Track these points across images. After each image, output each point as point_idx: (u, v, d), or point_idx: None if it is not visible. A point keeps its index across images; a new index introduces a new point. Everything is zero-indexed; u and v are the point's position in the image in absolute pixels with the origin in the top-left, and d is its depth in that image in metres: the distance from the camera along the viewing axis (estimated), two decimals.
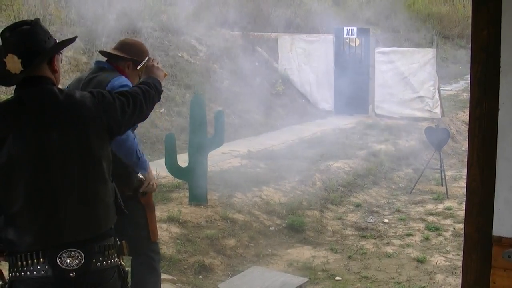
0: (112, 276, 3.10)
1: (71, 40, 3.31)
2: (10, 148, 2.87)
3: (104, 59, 4.78)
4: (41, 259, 2.89)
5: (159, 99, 3.68)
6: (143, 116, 3.46)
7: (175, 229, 7.65)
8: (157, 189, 8.79)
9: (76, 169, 2.98)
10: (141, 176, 4.75)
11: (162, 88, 3.74)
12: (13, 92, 3.06)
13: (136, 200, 4.59)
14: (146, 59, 4.27)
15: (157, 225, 7.33)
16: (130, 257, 4.64)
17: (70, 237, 2.95)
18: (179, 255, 7.18)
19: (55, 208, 2.93)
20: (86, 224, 3.02)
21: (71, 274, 2.92)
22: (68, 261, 2.92)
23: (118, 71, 4.59)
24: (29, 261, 2.88)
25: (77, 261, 2.94)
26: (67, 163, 2.95)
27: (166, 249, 7.16)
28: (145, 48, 4.82)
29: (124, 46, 4.72)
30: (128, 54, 4.63)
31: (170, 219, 7.81)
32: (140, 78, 4.26)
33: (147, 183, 4.64)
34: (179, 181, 8.95)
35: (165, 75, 4.10)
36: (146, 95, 3.42)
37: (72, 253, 2.94)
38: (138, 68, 4.47)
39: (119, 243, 3.21)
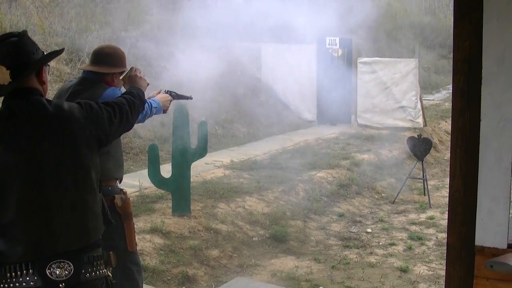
0: (100, 287, 3.10)
1: (58, 52, 3.32)
2: (1, 160, 2.86)
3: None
4: (31, 270, 2.87)
5: (143, 109, 3.72)
6: (129, 126, 3.49)
7: (158, 240, 7.62)
8: (141, 199, 8.84)
9: (66, 180, 2.98)
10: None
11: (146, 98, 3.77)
12: (1, 103, 3.06)
13: (112, 209, 4.51)
14: (129, 69, 4.28)
15: (141, 236, 7.36)
16: None
17: (61, 247, 2.94)
18: (163, 266, 7.14)
19: (46, 219, 2.92)
20: (77, 235, 3.01)
21: (60, 285, 2.91)
22: (58, 272, 2.91)
23: (105, 83, 4.59)
24: (18, 273, 2.87)
25: (67, 272, 2.93)
26: (58, 174, 2.96)
27: (150, 260, 7.14)
28: (122, 52, 4.83)
29: (105, 58, 4.67)
30: (114, 67, 4.62)
31: (154, 230, 7.78)
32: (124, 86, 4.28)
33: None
34: (162, 191, 8.93)
35: (148, 84, 4.12)
36: (131, 105, 3.47)
37: (62, 264, 2.93)
38: (121, 78, 4.48)
39: (106, 254, 3.21)
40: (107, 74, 4.64)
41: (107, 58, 4.67)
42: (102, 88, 4.53)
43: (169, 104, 4.95)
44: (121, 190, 4.83)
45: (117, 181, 4.84)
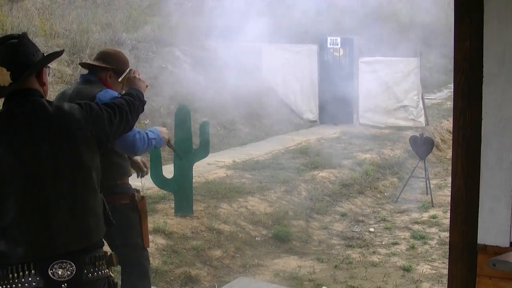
0: (102, 287, 3.11)
1: (58, 53, 3.33)
2: (0, 161, 2.87)
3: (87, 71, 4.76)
4: (33, 271, 2.88)
5: (143, 110, 3.73)
6: (128, 127, 3.50)
7: (161, 241, 7.63)
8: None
9: (67, 181, 2.99)
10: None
11: (146, 99, 3.78)
12: (1, 105, 3.07)
13: (133, 207, 4.57)
14: (128, 70, 4.30)
15: None
16: (120, 267, 4.61)
17: (62, 248, 2.94)
18: (165, 267, 7.15)
19: (47, 220, 2.93)
20: (78, 235, 3.02)
21: (62, 286, 2.92)
22: (60, 272, 2.92)
23: (102, 82, 4.59)
24: (20, 273, 2.87)
25: (69, 272, 2.94)
26: (58, 175, 2.96)
27: (152, 261, 7.13)
28: (125, 57, 4.81)
29: (103, 56, 4.68)
30: (108, 64, 4.61)
31: (156, 230, 7.79)
32: (123, 88, 4.31)
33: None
34: (165, 192, 8.93)
35: (146, 86, 4.14)
36: (131, 106, 3.48)
37: (64, 264, 2.93)
38: (120, 79, 4.49)
39: (108, 254, 3.22)
40: (101, 72, 4.63)
41: (105, 56, 4.67)
42: (99, 87, 4.53)
43: (167, 136, 4.89)
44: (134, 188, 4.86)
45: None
